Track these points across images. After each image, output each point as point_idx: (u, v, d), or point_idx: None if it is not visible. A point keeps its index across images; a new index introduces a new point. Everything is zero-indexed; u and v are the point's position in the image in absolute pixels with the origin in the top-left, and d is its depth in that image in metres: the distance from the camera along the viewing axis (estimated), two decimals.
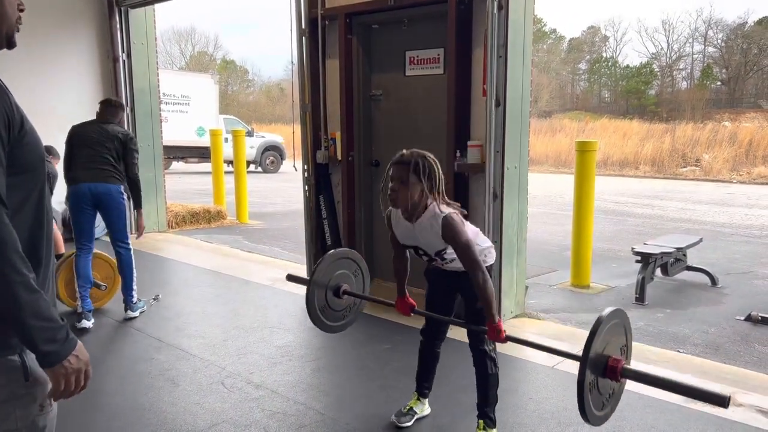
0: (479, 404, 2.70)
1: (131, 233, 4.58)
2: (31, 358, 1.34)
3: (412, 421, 2.87)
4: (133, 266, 4.45)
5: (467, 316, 2.67)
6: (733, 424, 2.87)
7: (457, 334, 3.23)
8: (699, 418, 2.92)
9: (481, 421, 2.68)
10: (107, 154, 4.30)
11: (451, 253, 2.49)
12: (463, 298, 2.69)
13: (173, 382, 3.36)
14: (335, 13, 5.11)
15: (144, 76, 7.66)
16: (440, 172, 2.48)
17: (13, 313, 1.22)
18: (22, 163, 1.30)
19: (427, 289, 2.84)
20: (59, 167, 5.03)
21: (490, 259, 2.65)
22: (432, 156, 2.48)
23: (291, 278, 3.01)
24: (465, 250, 2.39)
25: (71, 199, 4.28)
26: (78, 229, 4.31)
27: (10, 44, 1.38)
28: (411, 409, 2.90)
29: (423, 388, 2.94)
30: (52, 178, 5.08)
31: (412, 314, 2.74)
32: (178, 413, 2.98)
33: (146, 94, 7.70)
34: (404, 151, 2.47)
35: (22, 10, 1.39)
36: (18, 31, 1.39)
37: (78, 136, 4.34)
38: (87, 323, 4.19)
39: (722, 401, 1.84)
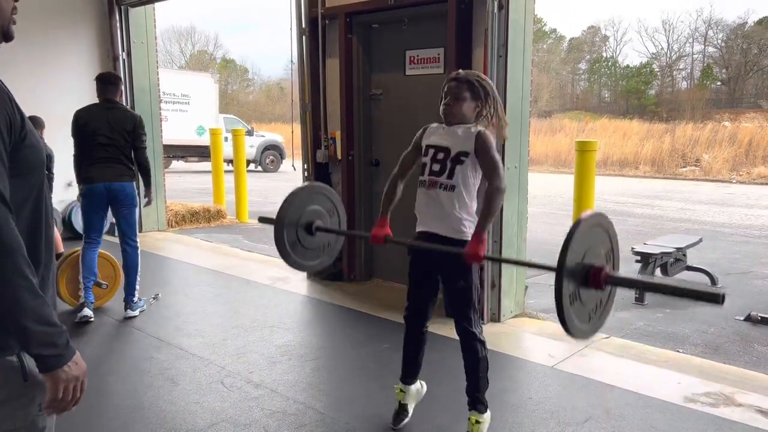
0: (469, 390, 2.65)
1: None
2: (29, 359, 1.33)
3: (410, 415, 2.84)
4: (139, 265, 4.45)
5: (448, 298, 2.63)
6: (732, 423, 2.87)
7: (448, 332, 3.22)
8: (699, 418, 2.92)
9: (472, 416, 2.64)
10: (121, 147, 4.30)
11: (462, 168, 2.48)
12: (443, 281, 2.64)
13: (173, 381, 3.36)
14: (335, 13, 5.11)
15: (144, 75, 7.66)
16: (495, 92, 2.53)
17: (15, 316, 1.21)
18: (23, 164, 1.29)
19: (409, 266, 2.73)
20: (65, 163, 4.83)
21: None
22: (487, 78, 2.55)
23: (262, 220, 2.82)
24: (492, 161, 2.44)
25: (86, 197, 4.27)
26: (89, 224, 4.33)
27: (7, 37, 1.37)
28: (402, 405, 2.86)
29: (407, 375, 2.85)
30: (49, 160, 4.97)
31: (385, 244, 2.61)
32: (178, 412, 2.98)
33: (146, 93, 7.70)
34: (461, 70, 2.57)
35: (17, 0, 1.38)
36: (14, 23, 1.38)
37: (89, 128, 4.24)
38: (88, 312, 4.22)
39: (716, 298, 1.73)
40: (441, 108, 2.55)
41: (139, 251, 4.46)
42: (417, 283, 2.74)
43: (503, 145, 4.17)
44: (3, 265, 1.19)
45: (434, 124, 2.66)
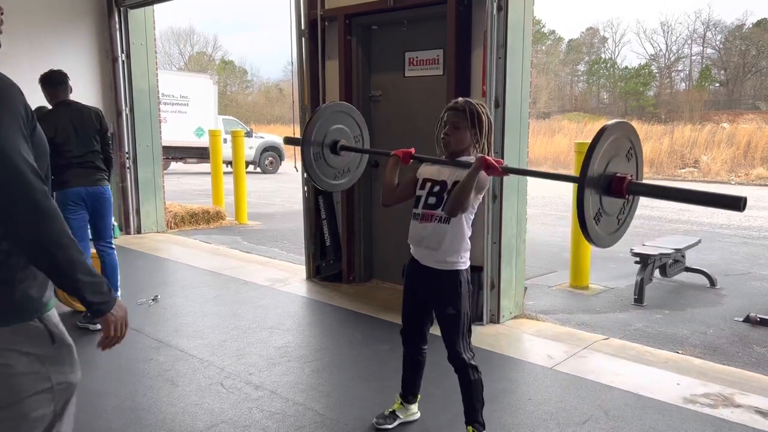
0: (466, 410, 2.64)
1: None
2: (51, 323, 1.52)
3: (394, 424, 2.83)
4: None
5: (439, 323, 2.61)
6: (731, 424, 2.87)
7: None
8: (698, 419, 2.92)
9: (470, 427, 2.63)
10: (94, 148, 4.24)
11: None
12: (434, 305, 2.63)
13: (172, 382, 3.35)
14: (335, 14, 5.12)
15: (143, 76, 7.66)
16: (491, 121, 2.54)
17: (70, 271, 1.42)
18: (35, 151, 1.44)
19: (404, 289, 2.74)
20: None
21: (467, 259, 2.60)
22: (485, 107, 2.55)
23: (288, 141, 2.94)
24: (466, 193, 2.39)
25: (61, 203, 4.06)
26: (76, 227, 4.20)
27: None
28: (393, 412, 2.86)
29: (407, 394, 2.87)
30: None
31: (411, 161, 2.65)
32: (177, 414, 2.98)
33: (145, 95, 7.70)
34: (459, 98, 2.57)
35: (2, 13, 1.57)
36: (0, 33, 1.52)
37: (60, 130, 4.09)
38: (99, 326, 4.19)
39: (737, 203, 1.74)
40: (441, 137, 2.55)
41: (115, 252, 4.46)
42: (410, 304, 2.73)
43: (502, 146, 4.18)
44: (52, 229, 1.38)
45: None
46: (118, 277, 4.44)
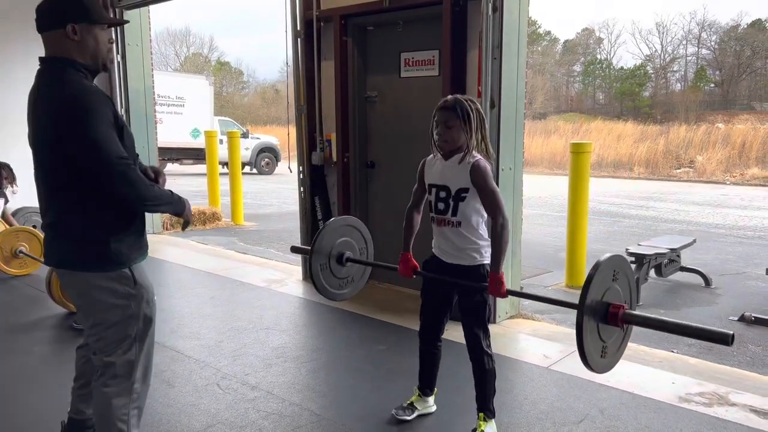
0: (478, 398, 2.72)
1: None
2: (137, 272, 2.17)
3: (413, 416, 2.89)
4: None
5: (462, 311, 2.69)
6: (726, 423, 2.89)
7: (452, 334, 3.24)
8: (693, 418, 2.94)
9: (481, 414, 2.71)
10: None
11: (464, 204, 2.54)
12: (458, 294, 2.70)
13: (168, 383, 3.35)
14: (330, 15, 5.12)
15: (139, 77, 7.64)
16: (482, 115, 2.57)
17: (155, 208, 2.20)
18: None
19: (423, 285, 2.83)
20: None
21: (487, 258, 2.65)
22: (475, 101, 2.58)
23: (294, 249, 3.07)
24: (490, 194, 2.50)
25: None
26: None
27: (105, 69, 2.19)
28: (411, 404, 2.92)
29: (425, 387, 2.95)
30: None
31: (414, 276, 2.75)
32: (173, 414, 2.98)
33: (141, 96, 7.68)
34: (448, 97, 2.59)
35: (112, 43, 2.17)
36: (112, 63, 2.22)
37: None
38: None
39: (725, 338, 1.83)
40: (435, 138, 2.58)
41: None
42: (430, 302, 2.81)
43: (498, 147, 4.18)
44: (137, 190, 2.01)
45: (430, 157, 2.71)
46: None
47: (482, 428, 2.68)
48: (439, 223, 2.63)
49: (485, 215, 2.59)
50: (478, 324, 2.66)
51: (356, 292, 2.97)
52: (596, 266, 1.98)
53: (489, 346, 2.69)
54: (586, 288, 1.95)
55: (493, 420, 2.73)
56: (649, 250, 5.43)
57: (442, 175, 2.61)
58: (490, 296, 2.63)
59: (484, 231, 2.63)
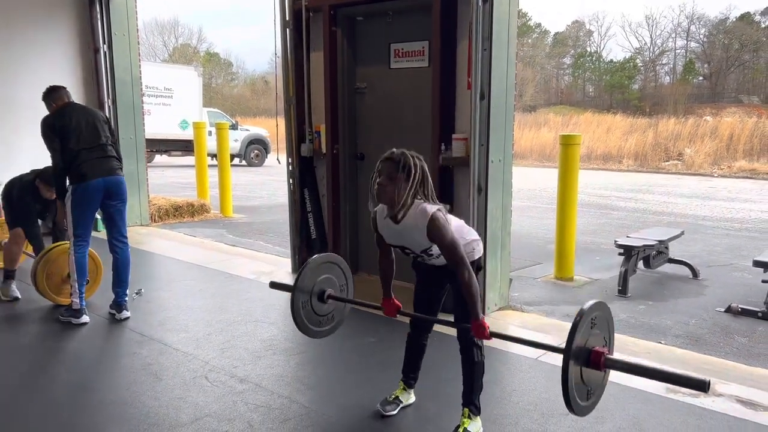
0: (465, 392, 2.71)
1: None
2: None
3: (397, 409, 2.89)
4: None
5: (455, 306, 2.68)
6: (713, 413, 2.91)
7: (443, 326, 3.23)
8: (680, 409, 2.96)
9: (466, 409, 2.69)
10: (110, 142, 4.22)
11: (436, 250, 2.51)
12: (452, 288, 2.69)
13: (156, 376, 3.33)
14: (319, 5, 5.08)
15: (126, 68, 7.56)
16: (428, 174, 2.52)
17: None
18: None
19: (416, 281, 2.84)
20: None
21: (478, 252, 2.66)
22: (421, 158, 2.52)
23: (274, 285, 3.04)
24: (450, 249, 2.43)
25: (83, 195, 4.03)
26: (84, 223, 4.11)
27: None
28: (397, 398, 2.92)
29: (409, 379, 2.95)
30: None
31: (398, 316, 2.78)
32: (161, 407, 2.96)
33: (128, 86, 7.60)
34: (394, 149, 2.51)
35: None
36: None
37: (76, 123, 4.05)
38: (87, 318, 4.14)
39: (702, 386, 1.90)
40: (375, 187, 2.50)
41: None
42: (422, 292, 2.83)
43: (488, 139, 4.18)
44: None
45: (378, 209, 2.62)
46: (129, 271, 4.36)
47: (465, 426, 2.65)
48: (418, 259, 2.67)
49: (464, 237, 2.59)
50: (468, 315, 2.62)
51: (336, 330, 2.98)
52: (580, 314, 2.06)
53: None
54: (571, 336, 2.03)
55: (478, 417, 2.70)
56: (638, 242, 5.46)
57: (399, 237, 2.56)
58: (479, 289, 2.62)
59: (467, 232, 2.63)
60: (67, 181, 4.06)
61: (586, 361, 2.09)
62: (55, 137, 4.01)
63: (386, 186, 2.45)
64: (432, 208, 2.44)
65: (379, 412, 2.87)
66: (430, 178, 2.53)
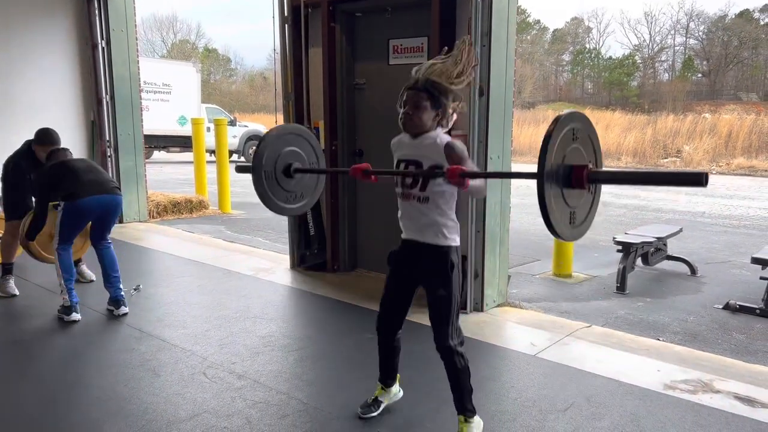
0: (456, 400, 2.62)
1: None
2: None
3: (379, 411, 2.84)
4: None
5: (431, 313, 2.56)
6: (710, 410, 2.91)
7: (419, 318, 3.22)
8: (677, 405, 2.96)
9: (461, 416, 2.62)
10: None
11: (432, 182, 2.42)
12: (425, 288, 2.59)
13: (154, 372, 3.33)
14: (318, 1, 5.06)
15: (124, 64, 7.54)
16: (451, 91, 2.46)
17: None
18: None
19: (388, 274, 2.72)
20: None
21: (456, 238, 2.55)
22: (445, 69, 2.46)
23: (239, 169, 2.84)
24: (464, 160, 2.34)
25: (80, 212, 4.11)
26: (71, 235, 4.18)
27: None
28: (376, 399, 2.86)
29: (385, 378, 2.86)
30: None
31: (363, 175, 2.60)
32: (159, 403, 2.96)
33: (126, 82, 7.58)
34: (419, 76, 2.47)
35: None
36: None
37: (69, 161, 4.22)
38: (77, 316, 4.14)
39: (699, 178, 1.72)
40: (401, 117, 2.47)
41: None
42: (392, 290, 2.70)
43: (486, 135, 4.17)
44: None
45: (398, 137, 2.59)
46: (118, 267, 4.37)
47: (466, 420, 2.60)
48: (406, 198, 2.51)
49: (455, 195, 2.49)
50: (444, 320, 2.51)
51: (308, 208, 2.74)
52: (553, 124, 1.79)
53: (460, 344, 2.54)
54: (544, 150, 1.76)
55: (474, 417, 2.62)
56: (636, 239, 5.46)
57: (413, 150, 2.49)
58: (458, 290, 2.53)
59: (451, 213, 2.51)
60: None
61: (567, 181, 1.86)
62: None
63: (413, 115, 2.43)
64: (452, 140, 2.42)
65: (358, 415, 2.81)
66: (459, 94, 2.47)
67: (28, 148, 4.64)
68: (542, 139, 1.81)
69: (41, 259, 4.65)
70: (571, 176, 1.86)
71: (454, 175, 2.23)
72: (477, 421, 2.65)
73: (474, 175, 2.30)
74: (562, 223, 1.87)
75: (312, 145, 2.73)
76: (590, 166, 1.91)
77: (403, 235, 2.62)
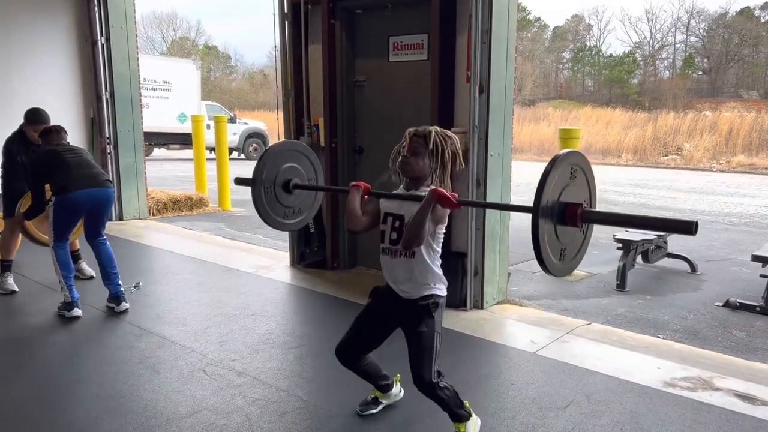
0: (448, 414, 2.57)
1: None
2: None
3: (378, 408, 2.83)
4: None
5: (411, 357, 2.48)
6: (710, 407, 2.91)
7: None
8: (678, 403, 2.96)
9: (457, 424, 2.57)
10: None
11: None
12: (404, 331, 2.53)
13: (154, 369, 3.32)
14: None
15: (123, 61, 7.52)
16: (454, 153, 2.43)
17: None
18: None
19: (365, 307, 2.66)
20: None
21: (442, 288, 2.50)
22: (453, 135, 2.45)
23: (238, 181, 2.87)
24: (419, 222, 2.29)
25: (71, 206, 4.09)
26: (66, 230, 4.17)
27: None
28: (375, 398, 2.86)
29: (378, 387, 2.84)
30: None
31: (364, 194, 2.59)
32: (159, 401, 2.96)
33: (126, 79, 7.57)
34: (428, 127, 2.46)
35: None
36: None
37: (61, 152, 4.15)
38: (78, 311, 4.13)
39: (689, 227, 1.76)
40: (399, 161, 2.45)
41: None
42: (365, 326, 2.65)
43: (486, 132, 4.17)
44: None
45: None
46: (116, 263, 4.36)
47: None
48: (393, 254, 2.47)
49: (439, 250, 2.47)
50: (425, 357, 2.42)
51: (305, 224, 2.75)
52: (551, 162, 1.81)
53: (440, 378, 2.47)
54: (541, 186, 1.79)
55: (470, 418, 2.58)
56: (636, 237, 5.45)
57: (400, 205, 2.47)
58: (440, 326, 2.48)
59: (436, 267, 2.46)
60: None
61: (560, 218, 1.87)
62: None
63: (411, 162, 2.40)
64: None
65: (356, 412, 2.81)
66: (456, 156, 2.44)
67: (19, 131, 4.67)
68: (540, 175, 1.84)
69: (37, 240, 4.64)
70: (565, 213, 1.89)
71: (437, 198, 2.24)
72: (473, 420, 2.62)
73: (470, 204, 2.29)
74: (552, 259, 1.91)
75: (311, 160, 2.74)
76: (584, 205, 1.93)
77: (390, 284, 2.55)
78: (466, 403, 2.59)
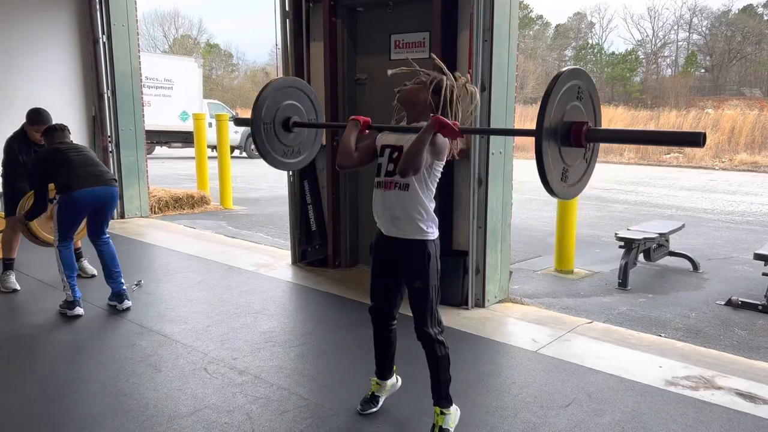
0: (433, 388, 2.61)
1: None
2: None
3: (378, 406, 2.84)
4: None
5: (411, 304, 2.55)
6: (712, 406, 2.91)
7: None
8: (679, 401, 2.95)
9: (437, 407, 2.60)
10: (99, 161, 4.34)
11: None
12: (404, 278, 2.59)
13: (155, 368, 3.33)
14: None
15: (125, 59, 7.52)
16: (457, 102, 2.44)
17: None
18: None
19: (371, 266, 2.71)
20: None
21: (434, 231, 2.51)
22: (466, 85, 2.46)
23: (237, 121, 2.88)
24: (417, 150, 2.29)
25: (76, 204, 4.08)
26: (70, 229, 4.16)
27: None
28: (373, 394, 2.86)
29: (381, 371, 2.86)
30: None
31: (365, 128, 2.62)
32: (160, 399, 2.96)
33: (128, 77, 7.57)
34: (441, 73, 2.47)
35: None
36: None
37: (65, 150, 4.14)
38: (80, 310, 4.14)
39: (696, 138, 1.71)
40: (397, 93, 2.49)
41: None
42: (378, 281, 2.70)
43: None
44: None
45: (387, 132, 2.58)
46: (119, 261, 4.36)
47: (440, 424, 2.57)
48: (387, 186, 2.46)
49: (434, 189, 2.47)
50: (423, 310, 2.51)
51: (306, 164, 2.73)
52: (556, 77, 1.78)
53: (440, 332, 2.55)
54: (543, 105, 1.76)
55: (450, 407, 2.60)
56: (639, 235, 5.44)
57: (399, 138, 2.49)
58: (437, 278, 2.51)
59: (430, 202, 2.48)
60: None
61: (565, 138, 1.84)
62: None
63: (409, 88, 2.45)
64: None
65: (357, 411, 2.81)
66: (457, 106, 2.43)
67: (21, 130, 4.68)
68: (543, 94, 1.82)
69: (39, 239, 4.64)
70: (569, 133, 1.84)
71: (438, 125, 2.25)
72: (453, 412, 2.62)
73: (470, 131, 2.31)
74: (555, 180, 1.88)
75: (311, 99, 2.71)
76: (589, 124, 1.89)
77: (380, 228, 2.59)
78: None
